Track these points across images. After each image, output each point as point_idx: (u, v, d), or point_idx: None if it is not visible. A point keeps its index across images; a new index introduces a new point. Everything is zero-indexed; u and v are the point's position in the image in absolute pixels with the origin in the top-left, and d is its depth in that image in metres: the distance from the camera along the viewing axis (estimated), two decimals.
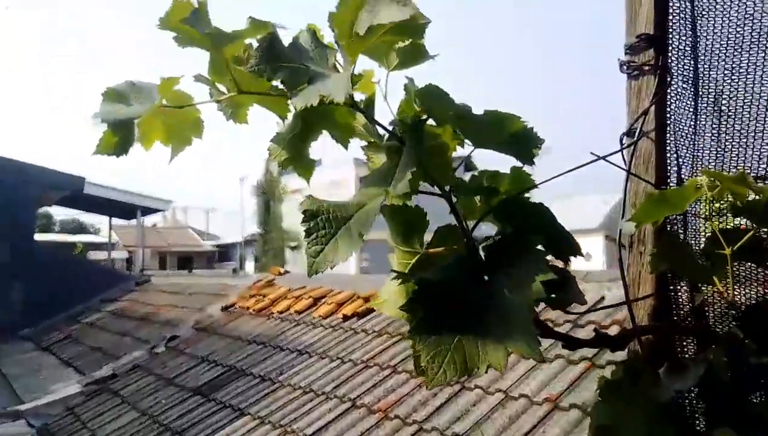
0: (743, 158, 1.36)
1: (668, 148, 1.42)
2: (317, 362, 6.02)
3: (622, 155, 1.41)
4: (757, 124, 1.33)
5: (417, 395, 4.61)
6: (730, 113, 1.37)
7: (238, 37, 1.16)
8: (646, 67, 1.41)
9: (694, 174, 1.40)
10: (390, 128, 1.21)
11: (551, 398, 3.88)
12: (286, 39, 1.14)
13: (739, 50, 1.34)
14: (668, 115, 1.41)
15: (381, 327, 6.10)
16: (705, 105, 1.41)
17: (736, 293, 1.32)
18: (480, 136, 1.19)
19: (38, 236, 18.90)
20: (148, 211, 20.67)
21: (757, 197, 1.20)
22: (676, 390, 1.16)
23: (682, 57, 1.41)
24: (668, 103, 1.41)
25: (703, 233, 1.39)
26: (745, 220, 1.28)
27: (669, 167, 1.42)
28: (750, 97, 1.34)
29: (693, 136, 1.42)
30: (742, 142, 1.36)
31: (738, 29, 1.35)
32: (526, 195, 1.24)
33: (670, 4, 1.41)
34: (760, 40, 1.32)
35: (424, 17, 1.10)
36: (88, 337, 11.08)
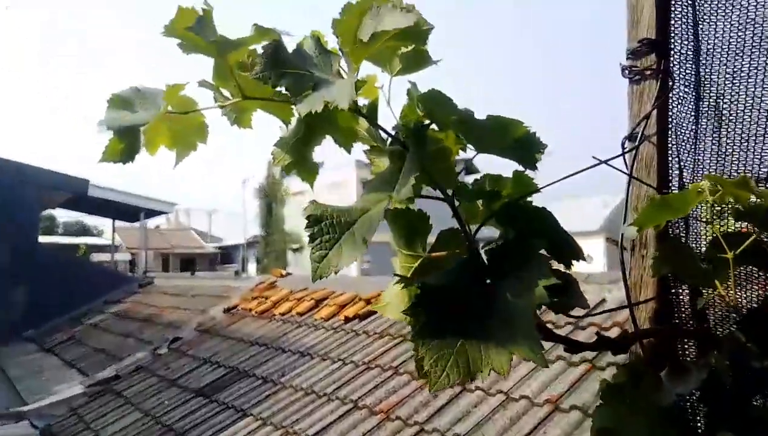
0: (744, 162, 1.36)
1: (670, 152, 1.42)
2: (319, 363, 6.02)
3: (624, 159, 1.42)
4: (758, 128, 1.34)
5: (418, 396, 4.62)
6: (731, 117, 1.38)
7: (243, 44, 1.17)
8: (648, 72, 1.41)
9: (696, 178, 1.41)
10: (393, 133, 1.21)
11: (552, 399, 3.88)
12: (289, 45, 1.15)
13: (741, 54, 1.35)
14: (670, 120, 1.42)
15: (382, 329, 6.11)
16: (706, 109, 1.41)
17: (737, 296, 1.33)
18: (483, 141, 1.20)
19: (42, 238, 18.92)
20: (151, 213, 20.69)
21: (759, 201, 1.20)
22: (677, 393, 1.16)
23: (684, 61, 1.42)
24: (670, 107, 1.42)
25: (704, 237, 1.40)
26: (745, 223, 1.28)
27: (671, 171, 1.43)
28: (751, 102, 1.34)
29: (694, 140, 1.42)
30: (743, 146, 1.36)
31: (739, 33, 1.35)
32: (529, 199, 1.24)
33: (672, 8, 1.42)
34: (762, 44, 1.32)
35: (427, 23, 1.10)
36: (91, 338, 11.10)
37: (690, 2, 1.41)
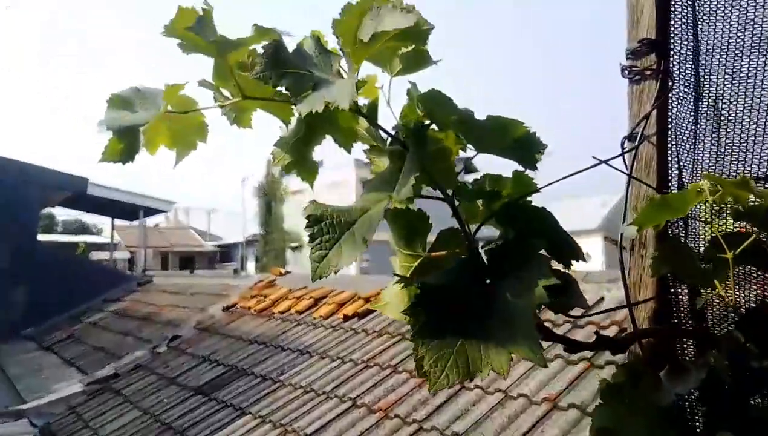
0: (743, 162, 1.37)
1: (669, 152, 1.42)
2: (318, 361, 6.02)
3: (624, 159, 1.42)
4: (757, 128, 1.34)
5: (417, 394, 4.62)
6: (730, 117, 1.38)
7: (243, 44, 1.17)
8: (648, 72, 1.41)
9: (695, 178, 1.41)
10: (393, 133, 1.21)
11: (550, 397, 3.89)
12: (289, 45, 1.15)
13: (740, 55, 1.35)
14: (669, 120, 1.42)
15: (381, 327, 6.11)
16: (706, 109, 1.42)
17: (737, 295, 1.33)
18: (482, 141, 1.20)
19: (41, 237, 18.92)
20: (150, 212, 20.67)
21: (759, 201, 1.20)
22: (677, 393, 1.17)
23: (684, 61, 1.42)
24: (670, 107, 1.42)
25: (702, 236, 1.40)
26: (743, 223, 1.28)
27: (670, 171, 1.43)
28: (750, 102, 1.35)
29: (694, 140, 1.43)
30: (742, 146, 1.36)
31: (739, 34, 1.35)
32: (528, 199, 1.24)
33: (672, 9, 1.42)
34: (761, 44, 1.33)
35: (427, 23, 1.11)
36: (90, 337, 11.10)
37: (690, 2, 1.41)
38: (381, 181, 1.14)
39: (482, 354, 0.95)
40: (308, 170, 1.34)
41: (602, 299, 4.85)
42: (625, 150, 1.41)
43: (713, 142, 1.40)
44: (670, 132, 1.42)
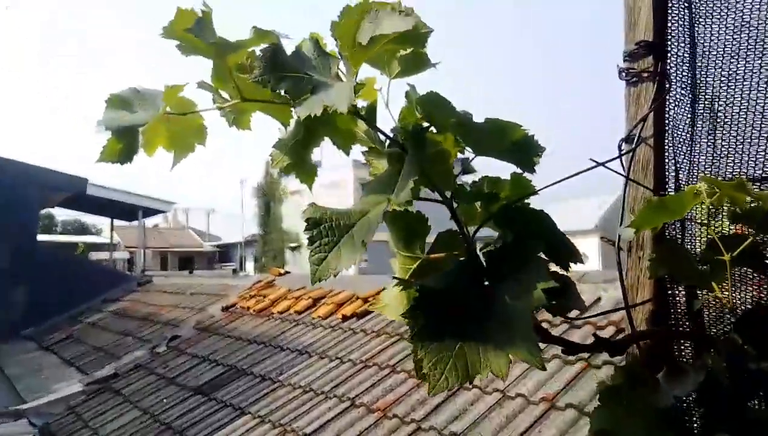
0: (739, 164, 1.37)
1: (667, 154, 1.43)
2: (317, 361, 6.03)
3: (621, 161, 1.42)
4: (753, 131, 1.34)
5: (415, 394, 4.63)
6: (726, 119, 1.38)
7: (242, 46, 1.17)
8: (645, 74, 1.42)
9: (692, 180, 1.41)
10: (391, 135, 1.22)
11: (548, 397, 3.90)
12: (288, 47, 1.15)
13: (736, 57, 1.36)
14: (667, 122, 1.43)
15: (380, 327, 6.12)
16: (702, 111, 1.42)
17: (734, 297, 1.33)
18: (481, 144, 1.20)
19: (40, 237, 18.91)
20: (149, 212, 20.67)
21: (757, 204, 1.21)
22: (675, 396, 1.17)
23: (681, 63, 1.43)
24: (667, 109, 1.42)
25: (698, 237, 1.40)
26: (739, 224, 1.29)
27: (667, 173, 1.43)
28: (746, 104, 1.35)
29: (690, 142, 1.43)
30: (738, 148, 1.37)
31: (735, 36, 1.36)
32: (526, 200, 1.25)
33: (669, 11, 1.42)
34: (757, 47, 1.33)
35: (426, 26, 1.11)
36: (90, 337, 11.10)
37: (686, 5, 1.41)
38: (380, 183, 1.14)
39: (481, 357, 0.95)
40: (307, 172, 1.35)
41: (599, 299, 4.87)
42: (622, 152, 1.42)
43: (709, 144, 1.41)
44: (667, 134, 1.42)
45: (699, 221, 1.38)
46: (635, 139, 1.41)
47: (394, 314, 1.22)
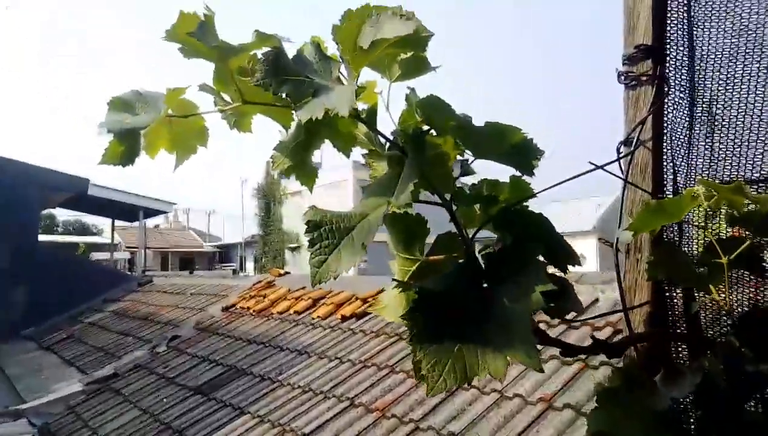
0: (737, 167, 1.38)
1: (665, 157, 1.43)
2: (316, 361, 6.04)
3: (619, 164, 1.43)
4: (751, 134, 1.35)
5: (414, 394, 4.64)
6: (724, 122, 1.39)
7: (244, 50, 1.18)
8: (644, 78, 1.43)
9: (689, 183, 1.42)
10: (392, 138, 1.22)
11: (545, 397, 3.92)
12: (290, 50, 1.16)
13: (734, 60, 1.36)
14: (665, 125, 1.43)
15: (379, 328, 6.13)
16: (701, 114, 1.43)
17: (731, 299, 1.34)
18: (480, 147, 1.21)
19: (41, 237, 18.92)
20: (150, 212, 20.66)
21: (755, 207, 1.21)
22: (672, 398, 1.18)
23: (680, 67, 1.43)
24: (665, 112, 1.43)
25: (696, 240, 1.41)
26: (735, 226, 1.30)
27: (665, 176, 1.44)
28: (744, 107, 1.36)
29: (689, 145, 1.44)
30: (735, 152, 1.37)
31: (733, 40, 1.37)
32: (525, 203, 1.25)
33: (669, 14, 1.43)
34: (755, 51, 1.34)
35: (426, 30, 1.11)
36: (90, 337, 11.10)
37: (685, 8, 1.42)
38: (380, 186, 1.15)
39: (479, 359, 0.96)
40: (307, 174, 1.35)
41: (597, 300, 4.88)
42: (620, 155, 1.43)
43: (707, 147, 1.41)
44: (665, 137, 1.43)
45: (697, 223, 1.39)
46: (634, 142, 1.42)
47: (394, 315, 1.22)
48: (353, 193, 28.03)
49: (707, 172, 1.41)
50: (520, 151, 1.20)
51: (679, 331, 1.42)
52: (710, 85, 1.40)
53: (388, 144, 1.24)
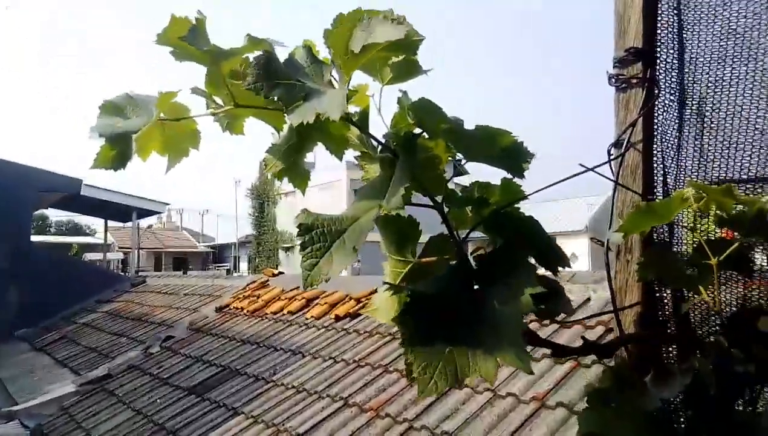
0: (725, 168, 1.39)
1: (655, 159, 1.44)
2: (310, 361, 6.05)
3: (610, 166, 1.44)
4: (739, 136, 1.36)
5: (407, 394, 4.65)
6: (713, 125, 1.40)
7: (235, 53, 1.18)
8: (635, 80, 1.44)
9: (679, 184, 1.43)
10: (384, 141, 1.23)
11: (538, 396, 3.93)
12: (282, 54, 1.16)
13: (723, 63, 1.38)
14: (655, 127, 1.44)
15: (372, 327, 6.14)
16: (690, 116, 1.44)
17: (721, 300, 1.35)
18: (471, 150, 1.21)
19: (34, 238, 18.87)
20: (143, 213, 20.61)
21: (743, 208, 1.22)
22: (662, 398, 1.18)
23: (670, 70, 1.44)
24: (655, 115, 1.44)
25: (686, 241, 1.42)
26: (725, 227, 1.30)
27: (656, 178, 1.45)
28: (732, 110, 1.37)
29: (678, 147, 1.45)
30: (724, 153, 1.38)
31: (722, 43, 1.38)
32: (517, 205, 1.26)
33: (659, 17, 1.44)
34: (742, 54, 1.35)
35: (418, 34, 1.12)
36: (83, 337, 11.08)
37: (675, 12, 1.43)
38: (372, 188, 1.15)
39: (470, 361, 0.97)
40: (300, 177, 1.36)
41: (588, 299, 4.90)
42: (611, 157, 1.43)
43: (697, 149, 1.42)
44: (655, 139, 1.44)
45: (686, 225, 1.40)
46: (624, 145, 1.43)
47: (386, 317, 1.23)
48: (347, 193, 28.06)
49: (697, 173, 1.42)
50: (511, 154, 1.20)
51: (669, 331, 1.43)
52: (699, 88, 1.41)
53: (380, 147, 1.24)
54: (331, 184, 27.69)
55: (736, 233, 1.26)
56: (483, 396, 4.23)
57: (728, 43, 1.36)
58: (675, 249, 1.44)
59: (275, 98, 1.10)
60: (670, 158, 1.45)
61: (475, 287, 1.10)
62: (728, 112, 1.37)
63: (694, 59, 1.41)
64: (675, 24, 1.43)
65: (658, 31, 1.43)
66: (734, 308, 1.36)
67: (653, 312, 1.42)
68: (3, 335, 12.46)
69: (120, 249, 34.82)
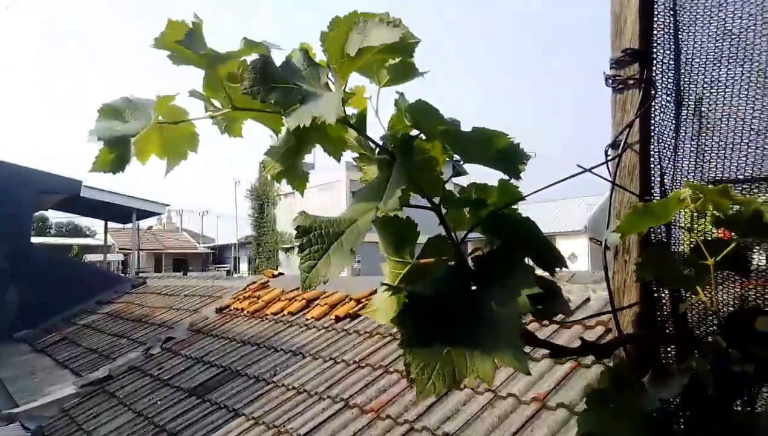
0: (722, 169, 1.39)
1: (652, 159, 1.45)
2: (310, 362, 6.05)
3: (607, 167, 1.44)
4: (735, 136, 1.37)
5: (408, 395, 4.65)
6: (709, 125, 1.40)
7: (232, 57, 1.19)
8: (631, 81, 1.44)
9: (676, 185, 1.43)
10: (381, 142, 1.23)
11: (539, 397, 3.93)
12: (278, 57, 1.17)
13: (719, 64, 1.38)
14: (652, 128, 1.45)
15: (373, 328, 6.14)
16: (686, 117, 1.44)
17: (718, 300, 1.35)
18: (468, 152, 1.21)
19: (34, 239, 18.88)
20: (143, 214, 20.61)
21: (740, 209, 1.23)
22: (661, 399, 1.19)
23: (666, 70, 1.45)
24: (652, 115, 1.44)
25: (683, 242, 1.42)
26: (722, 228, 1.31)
27: (653, 178, 1.45)
28: (728, 110, 1.37)
29: (675, 148, 1.45)
30: (720, 154, 1.39)
31: (717, 44, 1.38)
32: (514, 206, 1.26)
33: (655, 18, 1.44)
34: (738, 55, 1.35)
35: (413, 37, 1.12)
36: (83, 339, 11.09)
37: (672, 13, 1.44)
38: (369, 190, 1.15)
39: (468, 362, 0.97)
40: (298, 178, 1.36)
41: (588, 299, 4.90)
42: (608, 158, 1.44)
43: (693, 149, 1.43)
44: (652, 140, 1.44)
45: (684, 225, 1.40)
46: (621, 145, 1.43)
47: (385, 318, 1.23)
48: (346, 194, 28.05)
49: (693, 174, 1.43)
50: (507, 156, 1.21)
51: (667, 331, 1.43)
52: (696, 89, 1.41)
53: (377, 148, 1.25)
54: (330, 184, 27.68)
55: (733, 233, 1.27)
56: (484, 397, 4.23)
57: (724, 44, 1.36)
58: (672, 249, 1.44)
59: (272, 102, 1.10)
60: (666, 159, 1.45)
61: (473, 287, 1.10)
62: (724, 113, 1.38)
63: (690, 60, 1.41)
64: (671, 25, 1.43)
65: (655, 32, 1.44)
66: (732, 308, 1.36)
67: (651, 312, 1.42)
68: (3, 336, 12.47)
69: (120, 250, 34.84)
